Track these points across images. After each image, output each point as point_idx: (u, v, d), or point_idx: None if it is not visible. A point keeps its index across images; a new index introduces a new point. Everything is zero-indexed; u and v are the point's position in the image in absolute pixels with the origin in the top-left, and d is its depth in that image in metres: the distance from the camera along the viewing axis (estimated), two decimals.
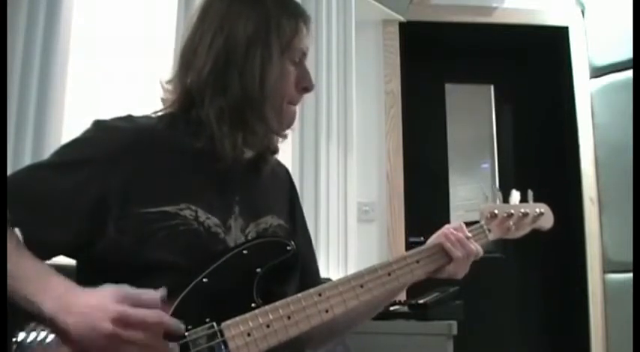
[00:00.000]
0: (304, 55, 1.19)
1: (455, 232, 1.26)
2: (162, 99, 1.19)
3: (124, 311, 0.91)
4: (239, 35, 1.12)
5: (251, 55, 1.12)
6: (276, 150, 1.23)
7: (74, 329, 0.91)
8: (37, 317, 0.93)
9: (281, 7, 1.17)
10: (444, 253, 1.25)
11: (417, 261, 1.22)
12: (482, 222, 1.34)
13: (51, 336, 0.94)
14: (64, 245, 1.05)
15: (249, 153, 1.19)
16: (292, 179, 1.36)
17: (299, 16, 1.18)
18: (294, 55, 1.17)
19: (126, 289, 0.94)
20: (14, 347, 0.95)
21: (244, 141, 1.14)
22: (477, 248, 1.26)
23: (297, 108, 1.22)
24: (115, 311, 0.90)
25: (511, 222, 1.37)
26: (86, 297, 0.93)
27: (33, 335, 0.95)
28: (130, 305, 0.91)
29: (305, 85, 1.19)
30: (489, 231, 1.34)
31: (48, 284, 0.94)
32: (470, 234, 1.28)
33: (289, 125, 1.21)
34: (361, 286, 1.13)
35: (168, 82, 1.19)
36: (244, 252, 1.08)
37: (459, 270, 1.25)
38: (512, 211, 1.37)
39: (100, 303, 0.91)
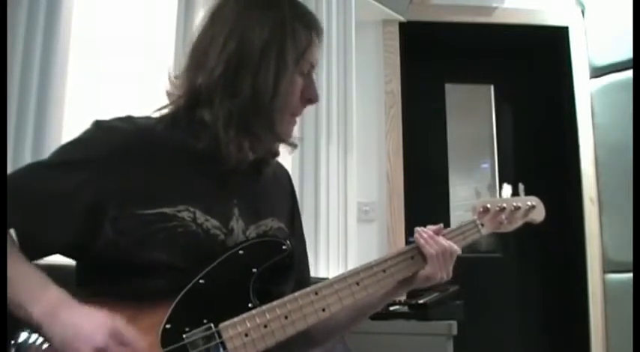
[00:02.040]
0: (313, 67, 1.18)
1: (426, 230, 1.23)
2: (168, 93, 1.18)
3: (120, 330, 0.93)
4: (254, 40, 1.10)
5: (265, 61, 1.10)
6: (277, 153, 1.23)
7: (58, 339, 0.92)
8: (26, 322, 0.95)
9: (297, 16, 1.15)
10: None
11: (412, 258, 1.22)
12: (475, 217, 1.33)
13: None
14: (62, 244, 1.05)
15: (250, 156, 1.18)
16: (293, 185, 1.35)
17: (313, 28, 1.17)
18: (304, 66, 1.15)
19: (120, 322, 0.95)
20: (13, 350, 0.95)
21: (250, 147, 1.13)
22: (449, 244, 1.22)
23: None
24: (112, 327, 0.93)
25: (503, 216, 1.36)
26: (79, 310, 0.95)
27: (34, 336, 0.96)
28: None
29: (310, 97, 1.18)
30: (482, 225, 1.33)
31: (40, 291, 0.96)
32: (446, 232, 1.25)
33: (290, 135, 1.20)
34: (357, 283, 1.14)
35: (177, 77, 1.18)
36: (240, 252, 1.08)
37: (436, 270, 1.20)
38: (505, 205, 1.37)
39: (95, 317, 0.94)
